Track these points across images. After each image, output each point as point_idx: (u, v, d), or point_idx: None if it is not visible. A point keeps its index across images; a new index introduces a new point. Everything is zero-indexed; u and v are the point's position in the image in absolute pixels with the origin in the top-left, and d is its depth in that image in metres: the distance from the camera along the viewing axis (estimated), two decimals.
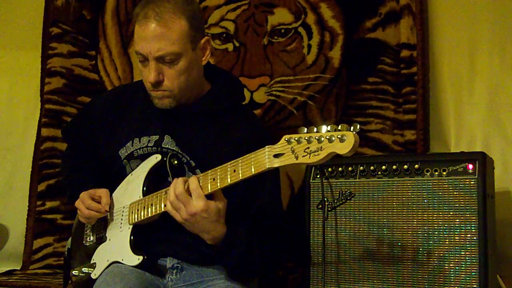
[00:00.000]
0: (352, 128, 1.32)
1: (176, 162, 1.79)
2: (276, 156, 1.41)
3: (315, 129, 1.36)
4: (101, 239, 1.87)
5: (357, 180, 1.96)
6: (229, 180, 1.52)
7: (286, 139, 1.39)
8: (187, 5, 1.74)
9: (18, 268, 2.86)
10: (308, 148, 1.35)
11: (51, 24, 3.00)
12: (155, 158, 1.80)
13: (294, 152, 1.37)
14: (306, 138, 1.36)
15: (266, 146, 1.44)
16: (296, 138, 1.37)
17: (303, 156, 1.36)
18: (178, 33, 1.71)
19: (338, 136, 1.31)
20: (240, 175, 1.50)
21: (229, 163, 1.53)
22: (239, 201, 1.75)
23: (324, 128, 1.35)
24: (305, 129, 1.38)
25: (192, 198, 1.57)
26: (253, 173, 1.47)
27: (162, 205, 1.68)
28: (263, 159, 1.44)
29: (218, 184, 1.55)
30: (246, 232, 1.69)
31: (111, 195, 1.87)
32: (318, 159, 1.34)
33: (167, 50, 1.70)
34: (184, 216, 1.59)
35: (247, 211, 1.77)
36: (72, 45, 2.97)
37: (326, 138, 1.33)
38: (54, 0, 3.01)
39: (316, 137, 1.34)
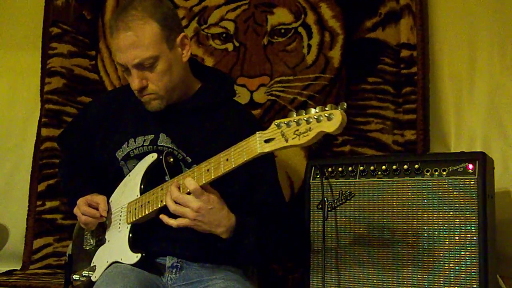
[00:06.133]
0: (339, 106, 1.33)
1: (172, 160, 1.80)
2: (267, 141, 1.42)
3: (304, 112, 1.37)
4: (100, 242, 1.88)
5: (357, 180, 1.96)
6: (222, 169, 1.54)
7: (276, 123, 1.41)
8: (156, 8, 1.76)
9: (18, 268, 2.86)
10: (298, 130, 1.36)
11: (51, 24, 3.00)
12: (152, 157, 1.81)
13: (284, 135, 1.38)
14: (295, 120, 1.37)
15: (257, 132, 1.45)
16: (285, 122, 1.39)
17: (293, 138, 1.37)
18: (149, 37, 1.73)
19: (326, 115, 1.32)
20: (233, 163, 1.51)
21: (222, 152, 1.55)
22: (240, 195, 1.77)
23: (313, 110, 1.36)
24: (295, 112, 1.39)
25: (191, 194, 1.59)
26: (245, 159, 1.48)
27: (159, 201, 1.69)
28: (254, 145, 1.45)
29: (212, 175, 1.56)
30: (255, 220, 1.71)
31: (109, 198, 1.88)
32: (307, 139, 1.35)
33: (142, 57, 1.73)
34: (192, 216, 1.60)
35: (249, 205, 1.78)
36: (72, 45, 2.97)
37: (314, 118, 1.34)
38: (54, 0, 3.01)
39: (305, 119, 1.35)
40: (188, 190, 1.60)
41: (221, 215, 1.62)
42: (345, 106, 1.32)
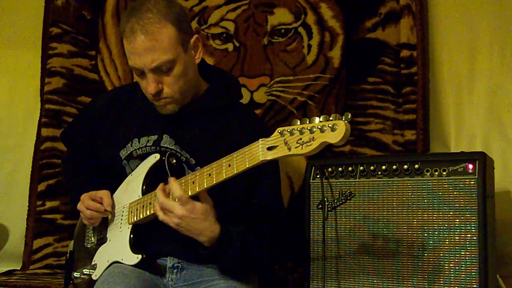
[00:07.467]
0: (343, 117, 1.32)
1: (174, 161, 1.80)
2: (269, 148, 1.41)
3: (308, 121, 1.37)
4: (102, 240, 1.88)
5: (357, 180, 1.96)
6: (224, 175, 1.53)
7: (279, 131, 1.40)
8: (170, 10, 1.72)
9: (18, 268, 2.86)
10: (301, 139, 1.35)
11: (51, 24, 3.00)
12: (154, 158, 1.80)
13: (287, 144, 1.38)
14: (299, 129, 1.36)
15: (260, 139, 1.44)
16: (289, 130, 1.38)
17: (296, 147, 1.36)
18: (167, 41, 1.70)
19: (329, 126, 1.32)
20: (235, 169, 1.50)
21: (224, 158, 1.54)
22: (239, 197, 1.76)
23: (317, 119, 1.35)
24: (299, 121, 1.39)
25: (177, 201, 1.60)
26: (247, 166, 1.47)
27: None
28: (257, 152, 1.44)
29: (214, 180, 1.55)
30: (242, 231, 1.70)
31: (112, 197, 1.88)
32: (310, 149, 1.34)
33: (161, 60, 1.70)
34: (175, 221, 1.62)
35: (246, 207, 1.78)
36: (72, 45, 2.97)
37: (318, 128, 1.33)
38: (54, 0, 3.01)
39: (308, 128, 1.35)
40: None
41: (203, 226, 1.62)
42: (349, 117, 1.32)
